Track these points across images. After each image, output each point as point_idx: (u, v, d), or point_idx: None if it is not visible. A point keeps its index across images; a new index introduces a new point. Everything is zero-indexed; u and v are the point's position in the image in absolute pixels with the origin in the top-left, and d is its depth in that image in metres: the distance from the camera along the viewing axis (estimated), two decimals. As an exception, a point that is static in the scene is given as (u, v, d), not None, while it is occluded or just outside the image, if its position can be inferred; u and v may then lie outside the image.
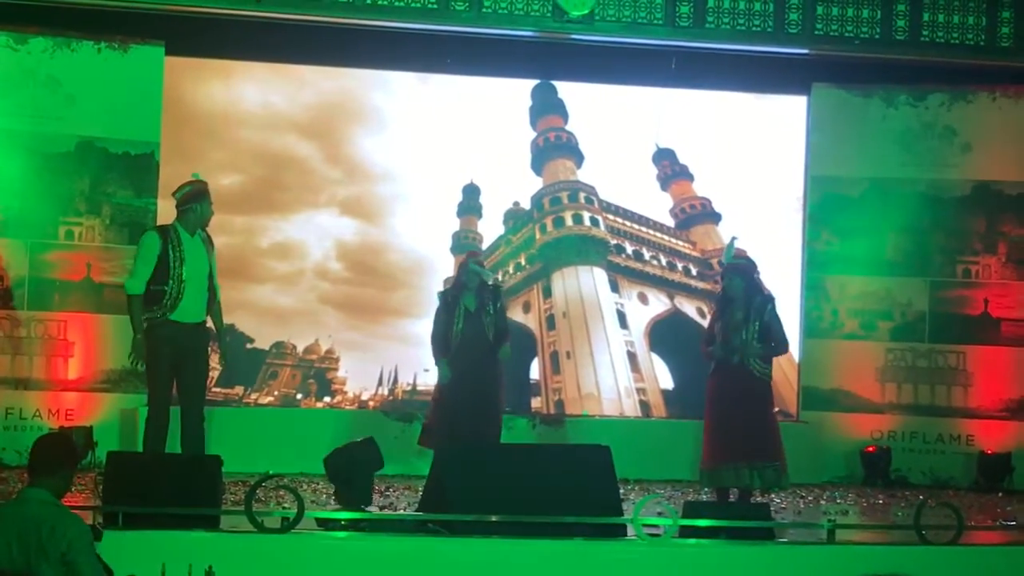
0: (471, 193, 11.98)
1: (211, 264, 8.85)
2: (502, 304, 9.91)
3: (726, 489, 9.30)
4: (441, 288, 10.96)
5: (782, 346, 9.46)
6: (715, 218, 12.30)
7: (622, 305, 12.20)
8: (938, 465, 11.78)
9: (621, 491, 8.42)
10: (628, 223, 12.27)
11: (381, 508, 9.00)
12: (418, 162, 11.88)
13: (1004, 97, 11.93)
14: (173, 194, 8.92)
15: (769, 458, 9.23)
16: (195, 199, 8.78)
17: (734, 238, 9.77)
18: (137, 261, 8.69)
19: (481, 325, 9.59)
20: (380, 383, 11.81)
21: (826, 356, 12.03)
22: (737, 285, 9.38)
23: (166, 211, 11.11)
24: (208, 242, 8.86)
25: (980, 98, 11.98)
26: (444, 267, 11.91)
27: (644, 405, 11.98)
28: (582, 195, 12.19)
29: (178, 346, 8.63)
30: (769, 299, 9.45)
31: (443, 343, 9.63)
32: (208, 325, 8.93)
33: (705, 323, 11.38)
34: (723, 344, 9.33)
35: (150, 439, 8.67)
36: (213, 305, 8.88)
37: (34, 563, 5.45)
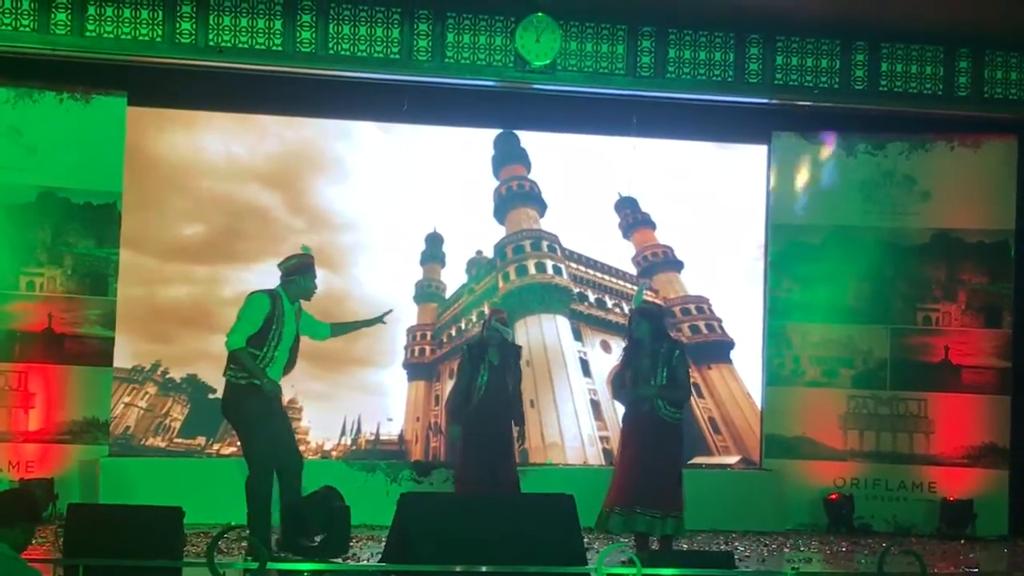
0: (434, 242, 11.98)
1: (299, 331, 9.00)
2: (519, 361, 10.35)
3: (645, 536, 9.30)
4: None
5: (686, 392, 9.51)
6: (677, 266, 12.33)
7: (585, 353, 12.21)
8: (901, 512, 11.81)
9: (585, 540, 8.41)
10: (591, 271, 12.30)
11: (344, 559, 8.95)
12: (381, 211, 11.87)
13: (962, 146, 12.04)
14: (279, 264, 9.11)
15: (671, 508, 9.27)
16: (300, 271, 9.03)
17: (644, 283, 9.99)
18: (242, 319, 8.85)
19: (503, 379, 10.05)
20: (343, 433, 11.76)
21: (788, 404, 12.06)
22: (644, 329, 9.45)
23: (128, 261, 11.09)
24: (298, 311, 9.01)
25: (938, 147, 12.07)
26: (407, 316, 11.89)
27: (608, 453, 11.96)
28: (545, 244, 12.21)
29: (271, 407, 8.75)
30: (676, 345, 9.55)
31: (465, 395, 10.02)
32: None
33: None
34: (632, 390, 9.38)
35: (258, 503, 8.69)
36: (291, 369, 9.07)
37: (-7, 617, 5.42)
